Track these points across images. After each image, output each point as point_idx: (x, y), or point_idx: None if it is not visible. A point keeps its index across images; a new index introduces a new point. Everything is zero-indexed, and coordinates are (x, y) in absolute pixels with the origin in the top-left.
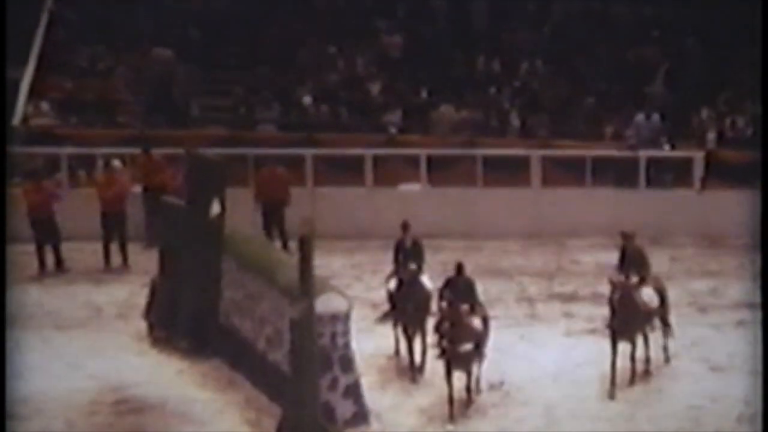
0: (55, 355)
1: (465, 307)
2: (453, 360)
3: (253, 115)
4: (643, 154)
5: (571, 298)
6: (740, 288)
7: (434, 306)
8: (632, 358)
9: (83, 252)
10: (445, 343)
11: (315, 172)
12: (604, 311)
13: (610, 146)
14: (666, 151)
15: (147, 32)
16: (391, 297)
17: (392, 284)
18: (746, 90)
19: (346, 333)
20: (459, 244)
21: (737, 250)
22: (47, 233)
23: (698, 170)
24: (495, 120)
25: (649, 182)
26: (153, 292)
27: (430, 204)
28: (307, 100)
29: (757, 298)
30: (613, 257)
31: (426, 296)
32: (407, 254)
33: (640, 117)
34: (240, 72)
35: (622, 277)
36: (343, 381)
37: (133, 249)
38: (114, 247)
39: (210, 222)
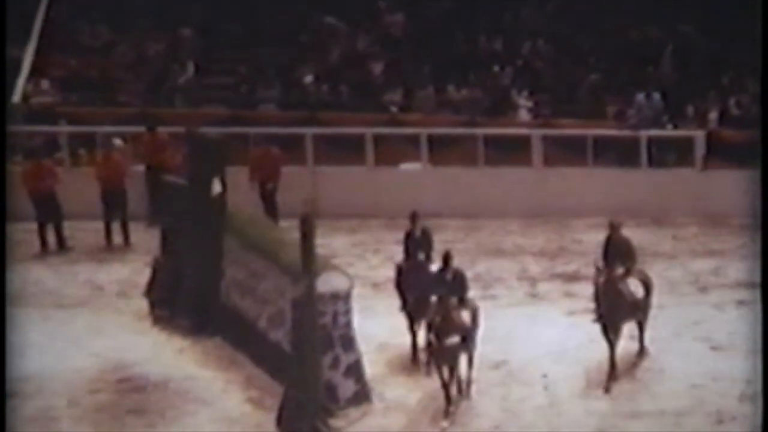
0: (57, 334)
1: (453, 300)
2: (438, 354)
3: (254, 94)
4: (645, 133)
5: (572, 277)
6: (742, 267)
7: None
8: (611, 344)
9: (85, 231)
10: (431, 336)
11: (316, 152)
12: None
13: (612, 126)
14: (667, 131)
15: (148, 10)
16: (399, 285)
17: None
18: (749, 69)
19: (347, 312)
20: (460, 224)
21: (739, 230)
22: (49, 212)
23: (700, 149)
24: (497, 99)
25: (651, 161)
26: (155, 271)
27: (431, 183)
28: (308, 79)
29: (758, 278)
30: None
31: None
32: (417, 244)
33: (640, 96)
34: (241, 51)
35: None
36: (345, 360)
37: (135, 228)
38: (116, 226)
39: (212, 201)
